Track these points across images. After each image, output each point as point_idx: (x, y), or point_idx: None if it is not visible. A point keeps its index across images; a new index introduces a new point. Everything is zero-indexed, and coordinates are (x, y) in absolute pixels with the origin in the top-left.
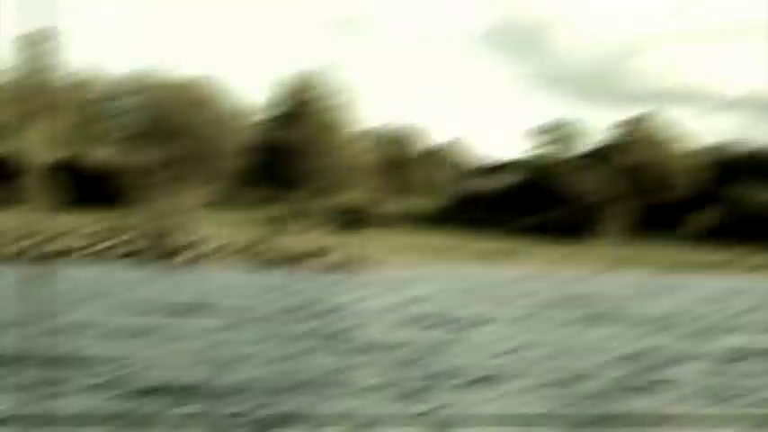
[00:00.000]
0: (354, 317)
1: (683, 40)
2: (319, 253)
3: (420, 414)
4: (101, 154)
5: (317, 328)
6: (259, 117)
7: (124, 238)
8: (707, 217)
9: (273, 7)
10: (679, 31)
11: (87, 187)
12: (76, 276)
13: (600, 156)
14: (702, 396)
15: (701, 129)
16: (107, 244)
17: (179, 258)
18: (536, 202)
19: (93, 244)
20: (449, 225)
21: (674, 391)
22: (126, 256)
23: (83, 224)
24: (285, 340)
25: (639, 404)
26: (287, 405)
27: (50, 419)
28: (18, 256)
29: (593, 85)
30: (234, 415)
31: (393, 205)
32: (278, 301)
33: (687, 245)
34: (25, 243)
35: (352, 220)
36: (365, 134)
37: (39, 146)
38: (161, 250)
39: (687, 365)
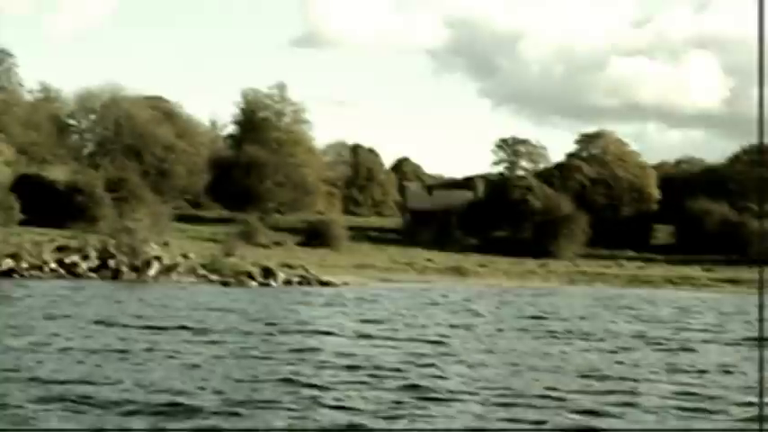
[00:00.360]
0: (318, 334)
1: (645, 55)
2: (277, 269)
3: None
4: (59, 171)
5: (281, 344)
6: (217, 134)
7: (82, 254)
8: (665, 233)
9: (231, 25)
10: (641, 46)
11: (45, 204)
12: (34, 293)
13: (560, 172)
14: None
15: (660, 144)
16: (65, 261)
17: (137, 275)
18: (495, 219)
19: (49, 261)
20: (407, 241)
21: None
22: (84, 272)
23: (40, 241)
24: (251, 357)
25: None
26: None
27: None
28: None
29: (554, 100)
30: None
31: (352, 221)
32: (238, 317)
33: (645, 260)
34: None
35: (311, 236)
36: (323, 151)
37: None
38: (118, 267)
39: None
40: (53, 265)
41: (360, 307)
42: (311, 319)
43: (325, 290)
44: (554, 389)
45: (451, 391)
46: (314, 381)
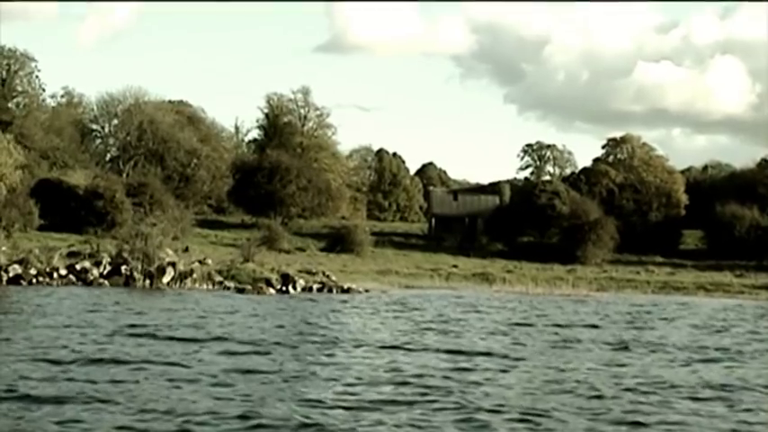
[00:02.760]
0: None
1: (671, 60)
2: (297, 276)
3: None
4: (80, 176)
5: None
6: (241, 139)
7: (94, 261)
8: (693, 238)
9: (256, 31)
10: (667, 52)
11: (65, 209)
12: (52, 299)
13: (586, 177)
14: None
15: (686, 150)
16: (75, 267)
17: (150, 282)
18: (522, 224)
19: (59, 267)
20: (432, 247)
21: None
22: (95, 279)
23: (53, 246)
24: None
25: None
26: None
27: None
28: None
29: (579, 105)
30: None
31: (376, 227)
32: (262, 325)
33: (674, 266)
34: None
35: (335, 241)
36: (348, 156)
37: (16, 168)
38: (131, 274)
39: None
40: (63, 272)
41: (386, 313)
42: (339, 325)
43: (353, 294)
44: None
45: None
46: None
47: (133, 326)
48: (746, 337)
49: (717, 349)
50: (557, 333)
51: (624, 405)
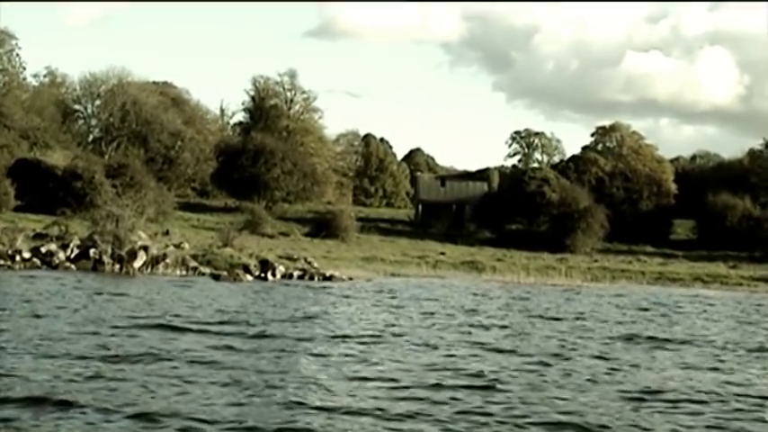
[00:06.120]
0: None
1: (660, 50)
2: (277, 262)
3: None
4: (59, 156)
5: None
6: (226, 122)
7: (61, 243)
8: (683, 228)
9: (246, 15)
10: (657, 42)
11: (43, 190)
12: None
13: (575, 165)
14: None
15: (673, 140)
16: (41, 249)
17: (120, 266)
18: (510, 211)
19: (23, 250)
20: (419, 234)
21: None
22: (62, 263)
23: (32, 227)
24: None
25: None
26: None
27: None
28: None
29: (568, 94)
30: None
31: (362, 212)
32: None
33: (665, 256)
34: None
35: (319, 227)
36: (335, 141)
37: None
38: (100, 258)
39: None
40: (26, 255)
41: (371, 300)
42: (324, 311)
43: (336, 281)
44: None
45: None
46: None
47: None
48: None
49: None
50: None
51: None
